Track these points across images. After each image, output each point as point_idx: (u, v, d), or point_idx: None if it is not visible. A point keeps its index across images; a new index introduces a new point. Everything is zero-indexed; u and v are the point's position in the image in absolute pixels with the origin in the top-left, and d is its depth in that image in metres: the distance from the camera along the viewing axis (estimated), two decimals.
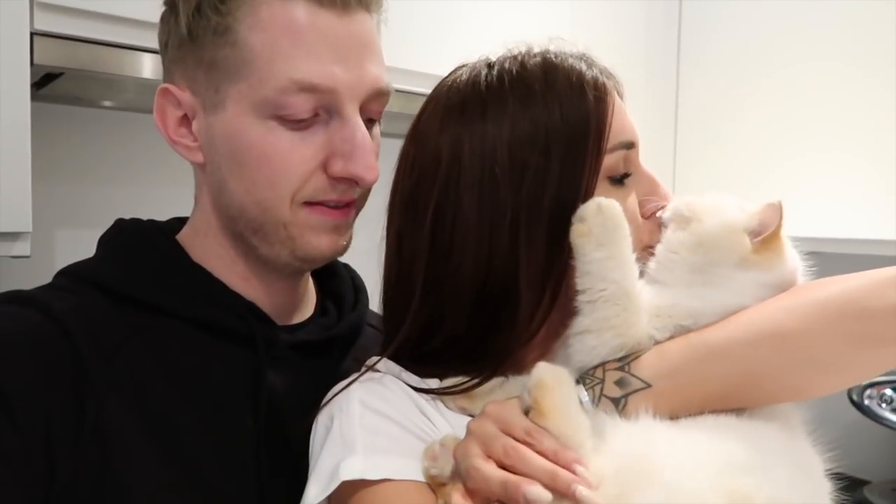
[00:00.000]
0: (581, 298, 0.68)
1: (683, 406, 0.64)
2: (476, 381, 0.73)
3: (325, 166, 0.74)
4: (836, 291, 0.65)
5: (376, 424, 0.69)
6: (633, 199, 0.75)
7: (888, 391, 1.85)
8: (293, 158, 0.73)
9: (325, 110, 0.73)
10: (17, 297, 0.72)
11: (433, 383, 0.75)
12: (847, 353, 0.64)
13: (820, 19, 1.69)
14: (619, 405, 0.64)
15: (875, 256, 1.51)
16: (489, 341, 0.73)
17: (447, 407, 0.74)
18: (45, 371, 0.66)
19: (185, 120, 0.76)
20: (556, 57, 0.74)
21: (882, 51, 1.60)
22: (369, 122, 0.77)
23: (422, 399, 0.73)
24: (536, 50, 0.76)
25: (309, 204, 0.75)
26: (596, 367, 0.67)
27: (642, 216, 0.75)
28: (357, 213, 0.82)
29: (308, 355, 0.81)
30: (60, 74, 1.05)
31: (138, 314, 0.73)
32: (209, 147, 0.76)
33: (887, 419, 1.81)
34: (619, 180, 0.74)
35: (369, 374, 0.74)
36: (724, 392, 0.65)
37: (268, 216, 0.75)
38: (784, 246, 0.71)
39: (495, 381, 0.74)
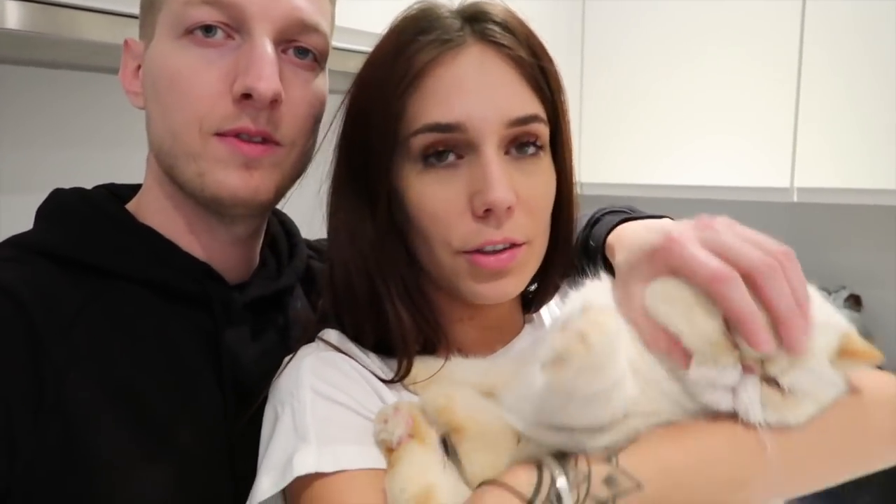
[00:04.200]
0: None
1: None
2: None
3: (232, 91, 0.70)
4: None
5: (329, 412, 0.64)
6: (456, 188, 0.66)
7: None
8: (200, 79, 0.70)
9: (236, 32, 0.71)
10: None
11: (393, 362, 0.71)
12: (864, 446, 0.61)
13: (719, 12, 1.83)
14: None
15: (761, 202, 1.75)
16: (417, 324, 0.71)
17: (404, 388, 0.70)
18: None
19: (139, 70, 0.76)
20: (403, 19, 0.69)
21: (770, 42, 1.75)
22: (301, 55, 0.74)
23: (375, 378, 0.69)
24: (422, 4, 0.70)
25: (220, 135, 0.71)
26: (578, 458, 0.53)
27: (473, 213, 0.65)
28: (290, 163, 0.75)
29: (258, 311, 0.80)
30: None
31: (91, 280, 0.70)
32: (144, 85, 0.75)
33: None
34: (430, 163, 0.66)
35: (320, 350, 0.71)
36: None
37: (178, 146, 0.71)
38: None
39: (432, 362, 0.71)
